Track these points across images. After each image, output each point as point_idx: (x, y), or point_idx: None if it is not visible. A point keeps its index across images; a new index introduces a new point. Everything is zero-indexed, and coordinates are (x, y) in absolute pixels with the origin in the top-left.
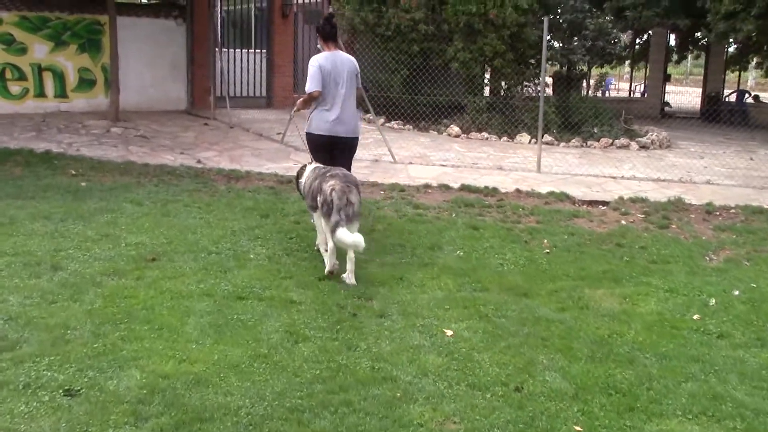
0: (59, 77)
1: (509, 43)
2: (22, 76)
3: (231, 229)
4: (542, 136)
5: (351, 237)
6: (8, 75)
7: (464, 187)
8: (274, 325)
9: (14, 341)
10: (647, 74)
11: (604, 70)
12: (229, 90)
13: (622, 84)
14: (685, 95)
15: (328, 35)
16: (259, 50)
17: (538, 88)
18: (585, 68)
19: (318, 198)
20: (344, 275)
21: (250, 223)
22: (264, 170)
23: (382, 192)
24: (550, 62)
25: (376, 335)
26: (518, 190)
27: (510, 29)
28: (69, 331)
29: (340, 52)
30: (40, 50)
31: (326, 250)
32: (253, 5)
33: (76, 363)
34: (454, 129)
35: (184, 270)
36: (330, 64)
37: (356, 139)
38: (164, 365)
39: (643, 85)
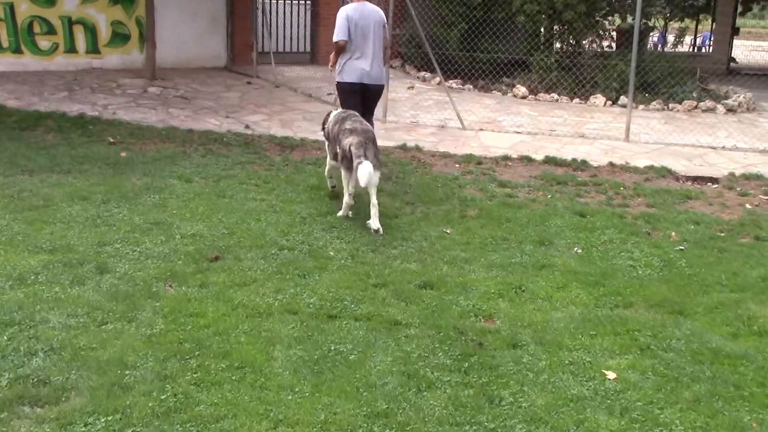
0: (91, 31)
1: None
2: (51, 30)
3: (299, 215)
4: (633, 99)
5: (367, 167)
6: (36, 29)
7: (549, 160)
8: (384, 361)
9: (59, 388)
10: (713, 27)
11: (683, 24)
12: (272, 45)
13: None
14: (753, 50)
15: None
16: (302, 1)
17: (605, 44)
18: (661, 22)
19: (337, 149)
20: (369, 221)
21: (320, 207)
22: (320, 137)
23: (457, 165)
24: (618, 15)
25: (519, 379)
26: (611, 164)
27: None
28: (127, 372)
29: (368, 3)
30: (70, 1)
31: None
32: None
33: (141, 426)
34: (521, 89)
35: (254, 273)
36: (358, 15)
37: (383, 86)
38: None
39: (701, 39)
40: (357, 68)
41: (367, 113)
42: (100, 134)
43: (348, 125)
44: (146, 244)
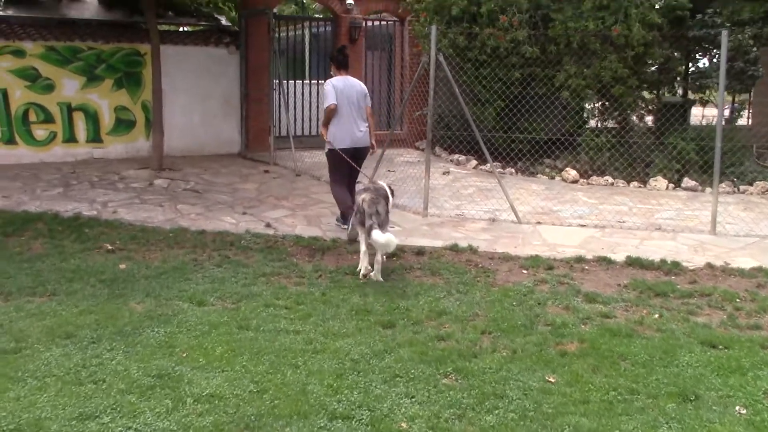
0: (92, 118)
1: (631, 66)
2: (48, 118)
3: (348, 356)
4: (718, 183)
5: (384, 237)
6: (33, 117)
7: (632, 261)
8: None
9: None
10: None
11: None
12: (288, 130)
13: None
14: None
15: (341, 64)
16: (321, 81)
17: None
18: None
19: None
20: (372, 273)
21: (373, 342)
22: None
23: (525, 272)
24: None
25: None
26: (710, 266)
27: (635, 49)
28: None
29: (350, 77)
30: (69, 87)
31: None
32: (308, 31)
33: None
34: (571, 173)
35: None
36: (342, 84)
37: (368, 147)
38: None
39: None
40: (347, 134)
41: (354, 176)
42: (96, 239)
43: (363, 186)
44: (146, 416)
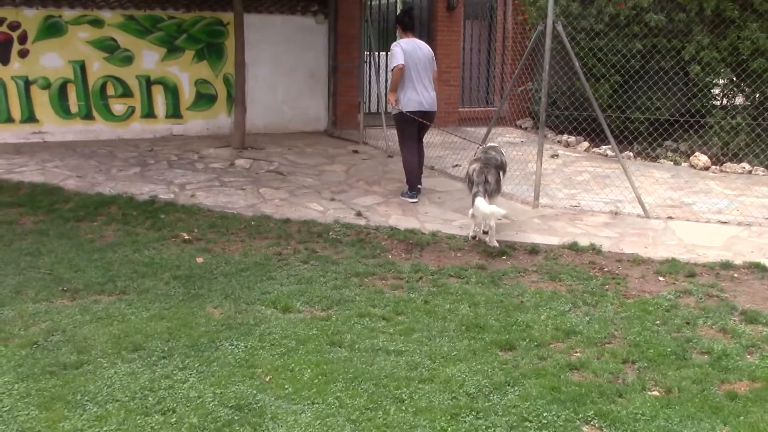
0: (172, 92)
1: None
2: (126, 92)
3: (462, 387)
4: None
5: (488, 208)
6: (110, 90)
7: None
8: None
9: None
10: None
11: None
12: (379, 106)
13: None
14: None
15: (407, 26)
16: None
17: None
18: None
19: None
20: (487, 239)
21: (491, 370)
22: (456, 230)
23: (661, 279)
24: None
25: None
26: None
27: None
28: None
29: (417, 39)
30: (149, 59)
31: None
32: None
33: None
34: (701, 158)
35: None
36: (410, 48)
37: (435, 112)
38: None
39: None
40: (415, 99)
41: (419, 140)
42: (173, 226)
43: (474, 156)
44: None
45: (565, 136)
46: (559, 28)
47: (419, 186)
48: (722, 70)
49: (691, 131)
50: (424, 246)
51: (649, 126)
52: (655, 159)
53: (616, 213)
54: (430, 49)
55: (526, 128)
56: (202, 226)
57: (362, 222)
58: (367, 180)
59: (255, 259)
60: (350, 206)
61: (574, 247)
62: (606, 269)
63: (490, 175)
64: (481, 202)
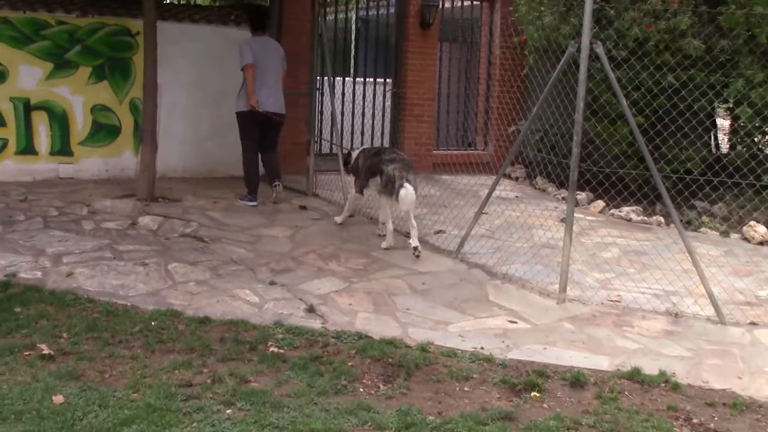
0: (59, 121)
1: None
2: None
3: None
4: None
5: (410, 189)
6: None
7: None
8: None
9: None
10: None
11: None
12: (333, 144)
13: None
14: None
15: (257, 26)
16: (374, 80)
17: None
18: None
19: (377, 178)
20: (410, 240)
21: None
22: (455, 340)
23: None
24: None
25: None
26: None
27: None
28: None
29: (267, 37)
30: (28, 76)
31: (383, 235)
32: (355, 13)
33: None
34: (759, 230)
35: None
36: (259, 47)
37: (284, 116)
38: None
39: None
40: (260, 101)
41: (269, 148)
42: (31, 328)
43: (387, 156)
44: None
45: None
46: (600, 50)
47: (276, 186)
48: None
49: (735, 190)
50: (412, 371)
51: (678, 182)
52: (687, 225)
53: (676, 315)
54: (281, 48)
55: (517, 178)
56: (77, 328)
57: (317, 324)
58: (320, 252)
59: (148, 398)
60: (297, 295)
61: (637, 377)
62: (695, 420)
63: (410, 176)
64: (409, 188)
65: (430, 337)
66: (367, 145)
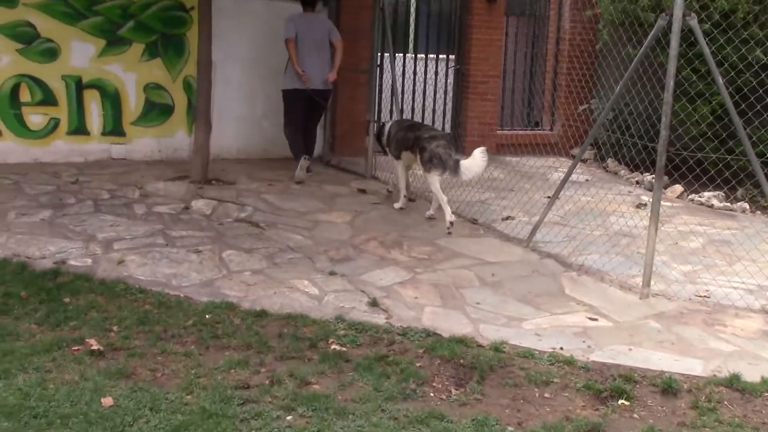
0: (111, 100)
1: None
2: (48, 98)
3: None
4: None
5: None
6: (25, 95)
7: None
8: None
9: None
10: None
11: None
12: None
13: None
14: None
15: (305, 2)
16: (437, 56)
17: None
18: None
19: (420, 153)
20: (449, 218)
21: None
22: (531, 339)
23: None
24: None
25: None
26: None
27: None
28: None
29: (314, 13)
30: (80, 53)
31: (435, 209)
32: None
33: None
34: None
35: None
36: (303, 21)
37: (329, 92)
38: None
39: None
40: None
41: (312, 125)
42: (80, 320)
43: (426, 134)
44: None
45: (645, 176)
46: (693, 22)
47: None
48: None
49: None
50: (486, 373)
51: (764, 166)
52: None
53: None
54: (327, 22)
55: (586, 160)
56: (127, 320)
57: (381, 319)
58: (381, 239)
59: (203, 401)
60: (359, 286)
61: (736, 384)
62: None
63: (455, 154)
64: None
65: (503, 336)
66: (397, 119)
